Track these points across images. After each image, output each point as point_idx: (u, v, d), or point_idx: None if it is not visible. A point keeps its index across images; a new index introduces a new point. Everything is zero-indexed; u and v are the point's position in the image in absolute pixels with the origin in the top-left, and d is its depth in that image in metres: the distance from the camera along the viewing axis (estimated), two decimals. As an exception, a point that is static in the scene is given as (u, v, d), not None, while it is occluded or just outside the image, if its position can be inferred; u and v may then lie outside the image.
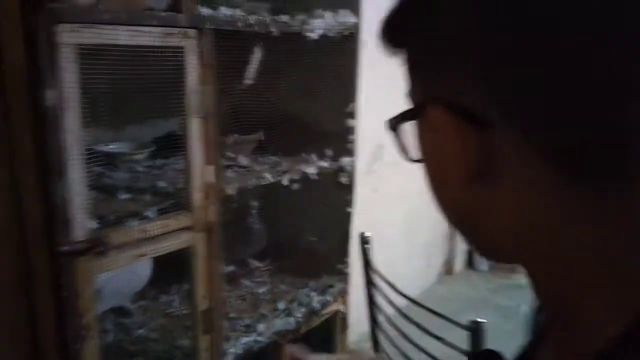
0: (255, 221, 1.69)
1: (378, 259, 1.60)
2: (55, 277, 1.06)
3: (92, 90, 1.02)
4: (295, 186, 1.55)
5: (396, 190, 2.68)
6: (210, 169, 1.27)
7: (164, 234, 1.21)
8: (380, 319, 1.60)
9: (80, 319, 1.09)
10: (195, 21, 1.17)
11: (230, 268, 1.73)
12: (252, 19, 1.30)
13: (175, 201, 1.24)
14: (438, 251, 3.34)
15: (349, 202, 1.73)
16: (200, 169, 1.25)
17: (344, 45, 1.57)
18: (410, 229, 2.96)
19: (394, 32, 0.41)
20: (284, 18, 1.39)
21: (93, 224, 1.08)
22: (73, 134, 1.01)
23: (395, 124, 0.41)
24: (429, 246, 3.22)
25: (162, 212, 1.22)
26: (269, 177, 1.47)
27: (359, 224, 1.75)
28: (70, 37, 0.97)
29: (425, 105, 0.38)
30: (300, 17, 1.43)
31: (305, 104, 1.66)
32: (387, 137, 0.43)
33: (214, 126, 1.25)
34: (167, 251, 1.23)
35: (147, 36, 1.09)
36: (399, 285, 1.48)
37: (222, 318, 1.39)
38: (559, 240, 0.35)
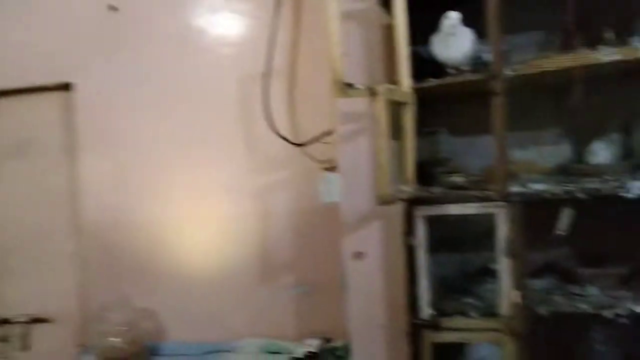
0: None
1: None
2: (412, 335, 1.97)
3: (433, 237, 1.89)
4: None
5: None
6: (516, 293, 1.83)
7: (478, 329, 1.88)
8: None
9: (422, 363, 1.94)
10: (505, 197, 1.82)
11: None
12: (559, 189, 1.78)
13: (490, 310, 1.88)
14: None
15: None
16: (508, 292, 1.84)
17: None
18: None
19: None
20: (595, 184, 1.76)
21: (432, 312, 1.92)
22: (422, 260, 1.90)
23: None
24: None
25: (481, 315, 1.89)
26: (586, 308, 1.82)
27: None
28: (421, 212, 1.88)
29: None
30: (614, 183, 1.74)
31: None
32: None
33: (520, 264, 1.82)
34: (480, 341, 1.89)
35: (468, 209, 1.85)
36: None
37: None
38: None
